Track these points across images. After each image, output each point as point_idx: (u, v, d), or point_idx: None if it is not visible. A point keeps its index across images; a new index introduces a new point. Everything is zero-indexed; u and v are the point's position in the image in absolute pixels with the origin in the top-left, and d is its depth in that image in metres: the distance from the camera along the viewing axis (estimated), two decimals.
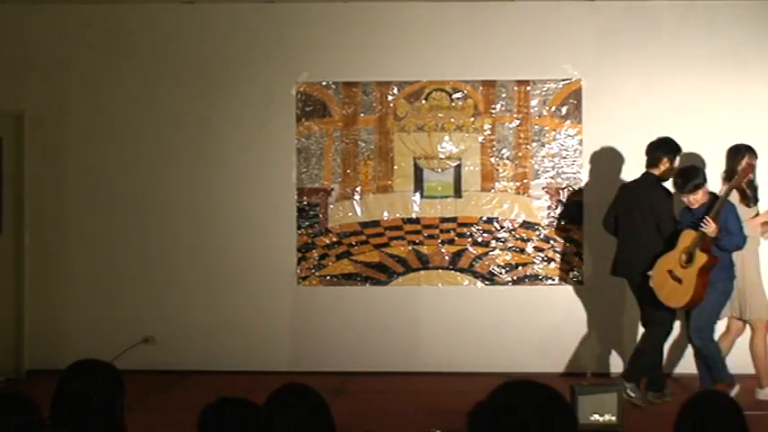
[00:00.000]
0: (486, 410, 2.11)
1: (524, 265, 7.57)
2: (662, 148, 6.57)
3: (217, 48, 7.76)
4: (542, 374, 6.95)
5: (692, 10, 7.58)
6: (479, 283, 7.60)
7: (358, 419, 6.15)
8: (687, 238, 6.20)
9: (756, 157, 6.57)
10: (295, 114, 7.70)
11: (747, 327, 6.54)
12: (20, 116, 7.76)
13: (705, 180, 6.30)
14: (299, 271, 7.68)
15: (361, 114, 7.69)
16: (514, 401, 2.10)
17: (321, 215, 7.67)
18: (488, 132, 7.65)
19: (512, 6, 7.65)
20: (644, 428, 5.83)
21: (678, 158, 6.62)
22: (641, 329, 7.34)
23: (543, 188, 7.60)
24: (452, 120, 7.67)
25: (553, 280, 7.57)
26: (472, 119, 7.66)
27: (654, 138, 6.60)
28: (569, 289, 7.57)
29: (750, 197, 6.57)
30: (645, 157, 6.62)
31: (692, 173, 6.31)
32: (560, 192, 7.58)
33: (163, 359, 7.52)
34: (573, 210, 7.57)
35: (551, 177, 7.59)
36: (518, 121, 7.62)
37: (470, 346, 7.56)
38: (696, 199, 6.24)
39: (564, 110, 7.61)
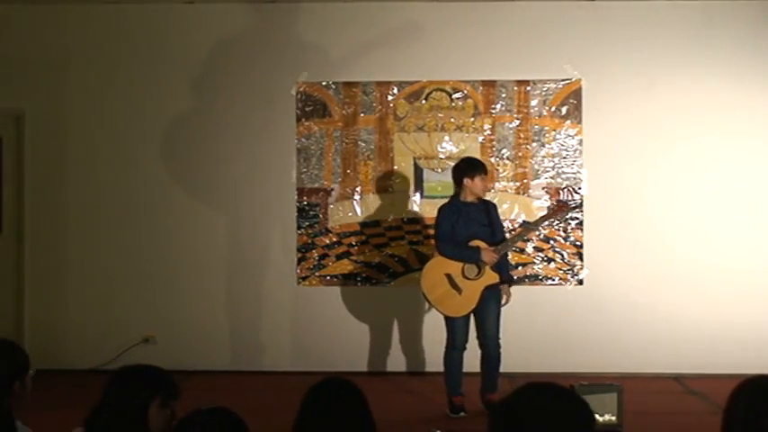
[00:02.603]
0: (508, 410, 2.08)
1: (524, 265, 7.57)
2: None
3: (217, 48, 7.76)
4: (542, 374, 6.95)
5: (692, 10, 7.58)
6: None
7: None
8: None
9: None
10: (295, 114, 7.71)
11: None
12: (20, 116, 7.77)
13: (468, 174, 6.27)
14: (299, 271, 7.68)
15: (361, 114, 7.69)
16: (537, 403, 2.07)
17: (321, 215, 7.67)
18: (488, 132, 7.65)
19: (512, 6, 7.65)
20: (644, 428, 5.83)
21: None
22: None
23: (543, 188, 7.60)
24: (452, 120, 7.67)
25: (553, 280, 7.57)
26: (472, 119, 7.66)
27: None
28: (569, 289, 7.57)
29: None
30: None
31: (473, 162, 6.35)
32: (560, 192, 7.58)
33: (163, 359, 7.47)
34: (573, 210, 7.56)
35: (551, 177, 7.59)
36: (518, 121, 7.62)
37: (470, 346, 7.55)
38: (478, 189, 6.21)
39: (564, 110, 7.61)
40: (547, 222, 6.68)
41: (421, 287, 6.30)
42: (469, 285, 6.15)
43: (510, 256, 6.70)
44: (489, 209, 6.30)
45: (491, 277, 6.13)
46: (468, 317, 6.24)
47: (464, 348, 6.28)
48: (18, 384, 3.16)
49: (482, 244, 6.14)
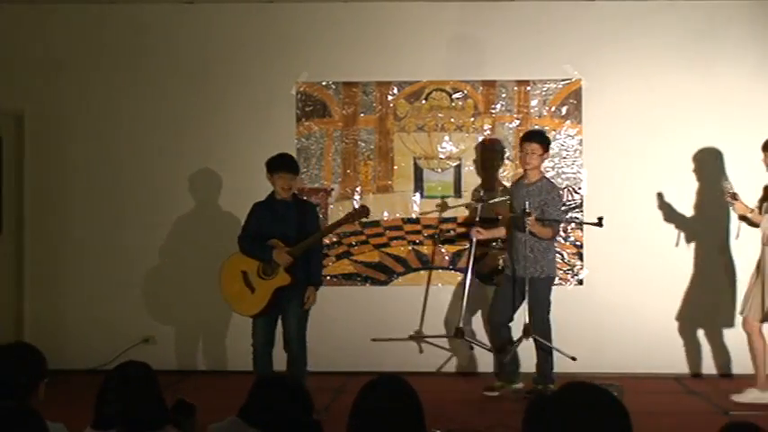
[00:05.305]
0: (548, 408, 2.04)
1: None
2: None
3: (217, 48, 7.76)
4: None
5: (692, 10, 7.58)
6: (479, 283, 7.59)
7: None
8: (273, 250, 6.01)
9: None
10: (295, 114, 7.71)
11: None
12: (20, 116, 7.77)
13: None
14: None
15: (361, 114, 7.69)
16: (580, 403, 2.04)
17: (321, 215, 7.67)
18: (488, 132, 7.65)
19: (512, 6, 7.65)
20: (644, 428, 5.83)
21: None
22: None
23: None
24: (452, 120, 7.67)
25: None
26: (472, 119, 7.66)
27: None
28: (569, 289, 7.57)
29: None
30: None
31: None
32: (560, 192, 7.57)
33: (163, 359, 7.51)
34: (573, 210, 7.57)
35: (551, 177, 7.58)
36: (518, 121, 7.62)
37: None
38: (276, 187, 6.08)
39: (564, 110, 7.61)
40: (341, 226, 6.37)
41: (220, 281, 6.20)
42: (262, 285, 6.01)
43: (323, 260, 6.45)
44: (306, 210, 6.16)
45: (282, 279, 5.96)
46: (270, 317, 6.11)
47: (265, 350, 6.16)
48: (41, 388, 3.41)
49: (279, 243, 5.98)
